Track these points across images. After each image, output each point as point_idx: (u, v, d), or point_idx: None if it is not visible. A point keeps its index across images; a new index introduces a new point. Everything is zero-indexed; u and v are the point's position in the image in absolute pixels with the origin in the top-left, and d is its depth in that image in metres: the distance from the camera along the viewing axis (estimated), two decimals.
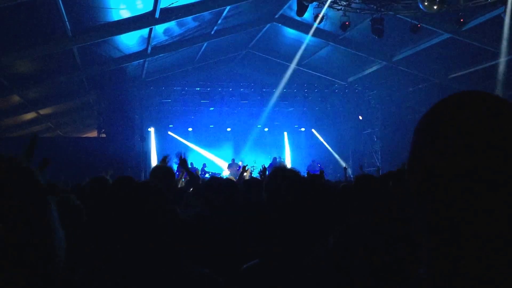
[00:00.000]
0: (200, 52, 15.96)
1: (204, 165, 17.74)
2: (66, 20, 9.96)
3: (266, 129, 20.89)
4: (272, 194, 2.02)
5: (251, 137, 20.28)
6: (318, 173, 6.67)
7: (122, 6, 10.63)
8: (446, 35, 12.42)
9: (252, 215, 2.97)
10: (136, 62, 14.80)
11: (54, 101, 16.45)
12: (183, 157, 4.53)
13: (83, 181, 5.98)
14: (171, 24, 12.30)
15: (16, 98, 14.26)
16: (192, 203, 4.04)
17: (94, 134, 18.30)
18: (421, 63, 14.90)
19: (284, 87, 18.28)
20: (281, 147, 21.35)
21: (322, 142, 21.03)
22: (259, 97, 18.36)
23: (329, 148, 20.79)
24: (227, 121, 19.99)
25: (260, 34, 15.41)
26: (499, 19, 10.64)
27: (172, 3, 10.86)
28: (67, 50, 11.80)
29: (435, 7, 9.42)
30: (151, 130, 18.61)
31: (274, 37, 15.66)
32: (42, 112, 16.90)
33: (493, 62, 12.74)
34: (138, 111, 16.92)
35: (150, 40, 12.60)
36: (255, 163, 16.46)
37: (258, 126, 20.43)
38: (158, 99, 17.72)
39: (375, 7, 10.74)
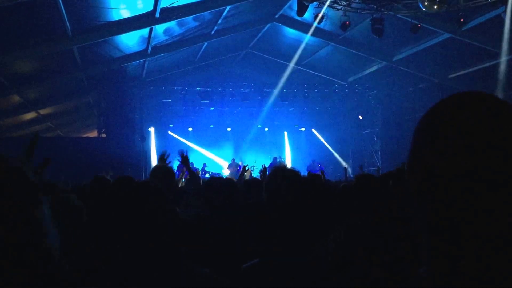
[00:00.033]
0: (200, 52, 15.96)
1: (204, 165, 17.74)
2: (66, 19, 9.96)
3: (266, 129, 20.90)
4: (272, 194, 2.02)
5: (251, 137, 20.28)
6: (318, 173, 6.67)
7: (122, 6, 10.63)
8: (446, 35, 12.42)
9: (252, 215, 2.97)
10: (136, 62, 14.81)
11: (54, 101, 16.46)
12: (185, 154, 4.53)
13: (83, 181, 5.98)
14: (171, 24, 12.30)
15: (16, 98, 14.26)
16: (192, 203, 4.03)
17: (94, 134, 18.31)
18: (421, 63, 14.91)
19: (284, 87, 18.29)
20: (281, 147, 21.35)
21: (322, 142, 21.03)
22: (259, 97, 18.37)
23: (329, 148, 20.78)
24: (227, 121, 19.99)
25: (260, 34, 15.41)
26: (499, 19, 10.65)
27: (172, 3, 10.86)
28: (67, 50, 11.80)
29: (435, 7, 9.42)
30: (151, 130, 18.61)
31: (274, 37, 15.66)
32: (42, 112, 16.90)
33: (493, 62, 12.74)
34: (138, 111, 16.93)
35: (150, 40, 12.61)
36: (255, 163, 16.47)
37: (258, 126, 20.43)
38: (158, 99, 17.73)
39: (375, 7, 10.74)
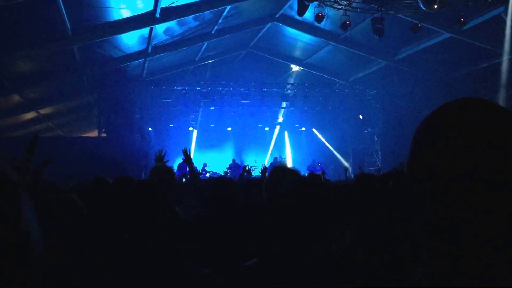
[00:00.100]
0: (201, 52, 15.96)
1: (205, 165, 17.75)
2: (67, 19, 9.96)
3: (266, 129, 20.89)
4: (272, 194, 2.02)
5: (251, 137, 20.28)
6: (319, 173, 6.67)
7: (122, 6, 10.63)
8: (446, 35, 12.43)
9: (252, 215, 2.97)
10: (136, 62, 14.80)
11: (54, 101, 16.46)
12: (188, 153, 4.54)
13: (83, 181, 5.98)
14: (172, 24, 12.30)
15: (16, 98, 14.26)
16: (192, 203, 4.04)
17: (94, 133, 18.30)
18: (421, 63, 14.91)
19: (285, 87, 18.27)
20: (281, 147, 21.36)
21: (322, 142, 21.04)
22: (259, 97, 18.38)
23: (330, 147, 20.79)
24: (227, 121, 19.99)
25: (261, 33, 15.41)
26: (500, 19, 10.66)
27: (173, 3, 10.86)
28: (68, 50, 11.80)
29: (435, 7, 9.42)
30: (151, 129, 18.61)
31: (275, 37, 15.66)
32: (42, 112, 16.90)
33: (494, 62, 12.75)
34: (138, 111, 16.92)
35: (151, 39, 12.61)
36: (256, 163, 16.47)
37: (259, 125, 20.42)
38: (159, 99, 17.71)
39: (375, 6, 10.74)
